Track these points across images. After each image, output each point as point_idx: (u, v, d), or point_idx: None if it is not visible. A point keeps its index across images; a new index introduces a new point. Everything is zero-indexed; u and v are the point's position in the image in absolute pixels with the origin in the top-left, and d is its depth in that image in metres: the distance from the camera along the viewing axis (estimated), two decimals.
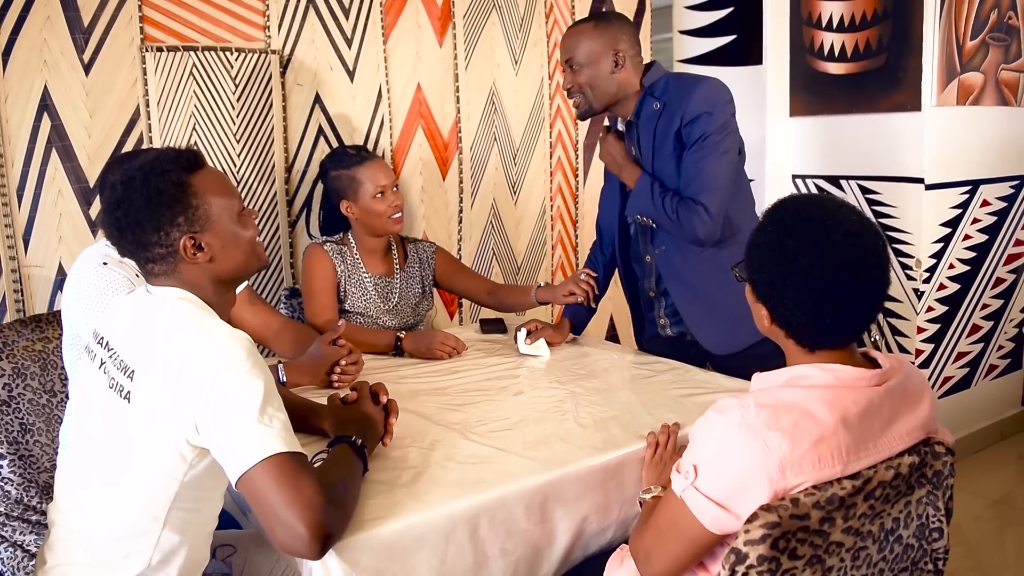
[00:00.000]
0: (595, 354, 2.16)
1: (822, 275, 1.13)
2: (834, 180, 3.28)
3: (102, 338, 1.36)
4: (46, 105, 2.35)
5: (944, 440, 1.24)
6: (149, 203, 1.29)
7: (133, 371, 1.25)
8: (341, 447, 1.36)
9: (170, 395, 1.20)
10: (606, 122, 2.32)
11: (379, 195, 2.36)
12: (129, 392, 1.24)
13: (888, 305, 3.14)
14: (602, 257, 2.37)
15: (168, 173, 1.30)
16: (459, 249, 3.08)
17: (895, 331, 3.21)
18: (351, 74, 2.80)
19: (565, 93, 2.16)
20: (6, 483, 1.84)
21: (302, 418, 1.59)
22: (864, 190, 3.18)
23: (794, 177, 3.41)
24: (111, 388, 1.28)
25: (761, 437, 1.08)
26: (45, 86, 2.34)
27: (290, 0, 2.66)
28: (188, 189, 1.31)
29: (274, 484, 1.13)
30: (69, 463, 1.39)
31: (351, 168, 2.39)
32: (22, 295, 2.36)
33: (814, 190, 3.32)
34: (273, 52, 2.65)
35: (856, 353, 1.23)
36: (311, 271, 2.38)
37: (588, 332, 2.91)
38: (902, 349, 3.19)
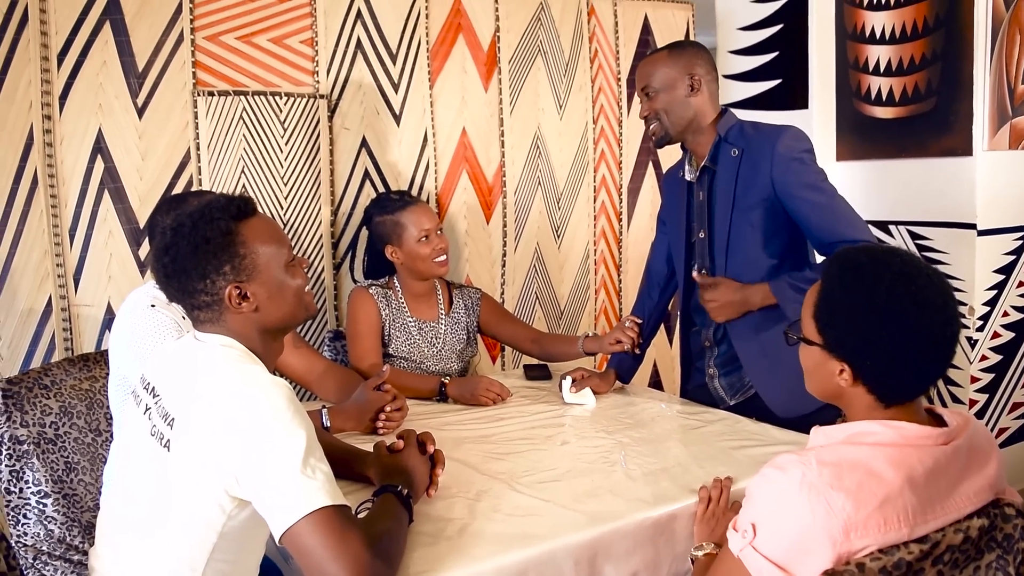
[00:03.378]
0: (641, 403, 2.12)
1: (917, 324, 1.11)
2: (883, 225, 3.22)
3: (148, 383, 1.35)
4: (100, 147, 2.40)
5: (1014, 501, 1.18)
6: (196, 251, 1.28)
7: (173, 419, 1.24)
8: (387, 497, 1.33)
9: (209, 445, 1.18)
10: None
11: (423, 238, 2.35)
12: (169, 440, 1.23)
13: None
14: (649, 302, 2.33)
15: (217, 221, 1.29)
16: (502, 293, 3.07)
17: (948, 381, 3.11)
18: (397, 118, 2.82)
19: (643, 122, 2.14)
20: (49, 521, 1.85)
21: (346, 464, 1.58)
22: (914, 235, 3.12)
23: None
24: (152, 435, 1.27)
25: (824, 497, 1.04)
26: (99, 129, 2.40)
27: (339, 45, 2.70)
28: (236, 238, 1.30)
29: (319, 539, 1.10)
30: (110, 510, 1.38)
31: (395, 213, 2.38)
32: (71, 334, 2.39)
33: None
34: (321, 97, 2.68)
35: (921, 409, 1.18)
36: (356, 314, 2.37)
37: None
38: (955, 399, 3.10)
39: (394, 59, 2.79)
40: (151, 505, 1.26)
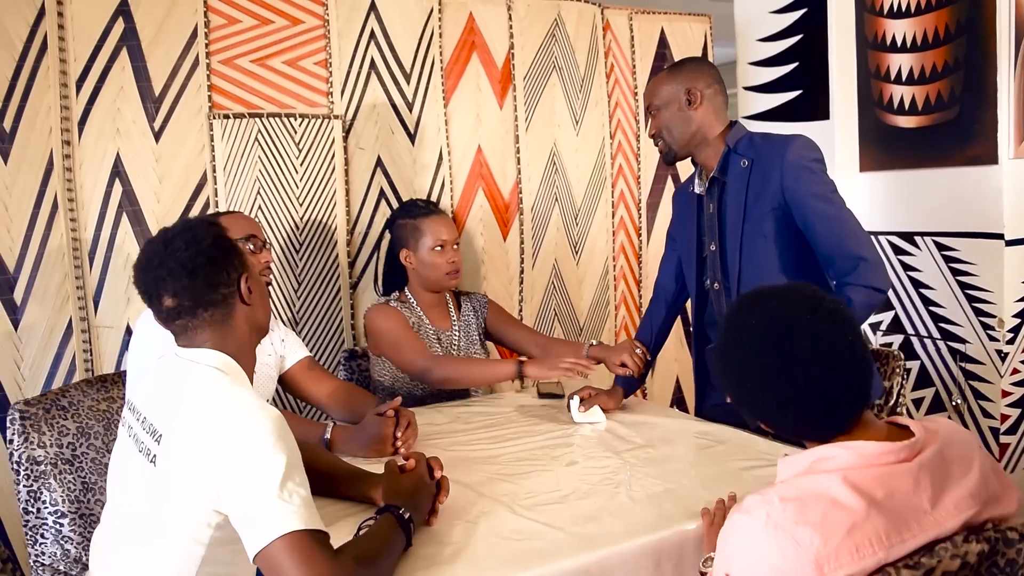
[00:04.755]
0: (654, 421, 2.09)
1: (790, 381, 1.12)
2: (908, 236, 3.16)
3: (132, 403, 1.38)
4: (118, 171, 2.44)
5: (1017, 525, 1.13)
6: (217, 247, 1.37)
7: (161, 435, 1.26)
8: (387, 518, 1.34)
9: (194, 461, 1.21)
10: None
11: (438, 248, 2.35)
12: (155, 456, 1.25)
13: (970, 368, 2.98)
14: (657, 319, 2.31)
15: (214, 225, 1.41)
16: (520, 310, 3.06)
17: (978, 395, 3.03)
18: (412, 137, 2.83)
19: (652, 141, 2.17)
20: (66, 541, 1.87)
21: (350, 484, 1.59)
22: (940, 247, 3.05)
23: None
24: (140, 452, 1.30)
25: (791, 534, 1.02)
26: (117, 153, 2.44)
27: (352, 66, 2.73)
28: (231, 243, 1.41)
29: (289, 562, 1.12)
30: (101, 529, 1.40)
31: (417, 218, 2.40)
32: (91, 355, 2.42)
33: (887, 247, 3.20)
34: (336, 117, 2.70)
35: (877, 424, 1.16)
36: (390, 323, 2.34)
37: (652, 396, 2.83)
38: (986, 414, 3.01)
39: (408, 78, 2.81)
40: (140, 521, 1.28)
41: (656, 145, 2.15)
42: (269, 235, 2.63)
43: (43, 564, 1.88)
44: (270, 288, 2.62)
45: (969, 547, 1.06)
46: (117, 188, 2.44)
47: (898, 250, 3.16)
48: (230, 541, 1.23)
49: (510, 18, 2.97)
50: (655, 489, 1.57)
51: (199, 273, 1.34)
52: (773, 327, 1.14)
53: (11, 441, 1.93)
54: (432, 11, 2.83)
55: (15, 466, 1.95)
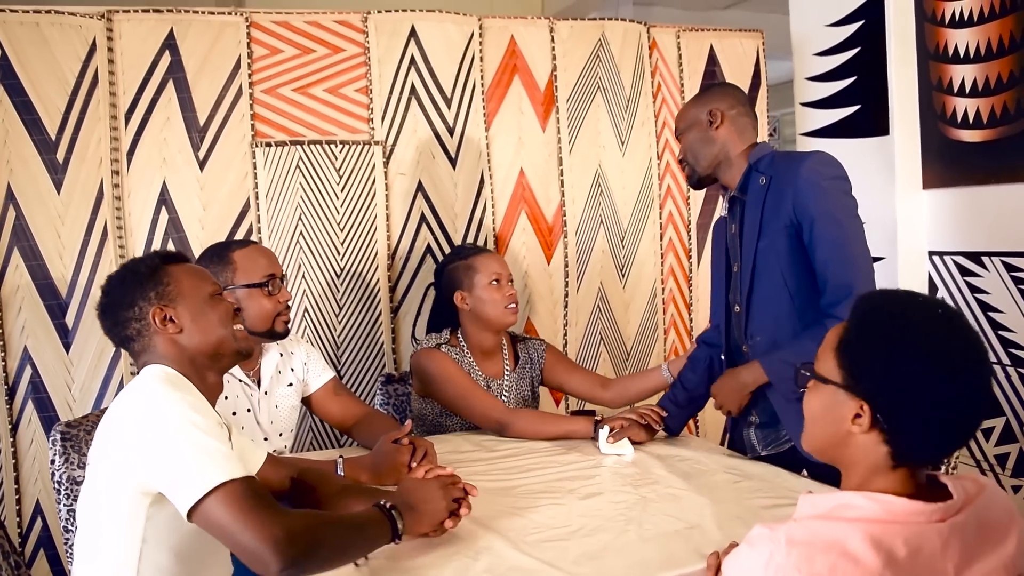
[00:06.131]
0: (684, 454, 2.00)
1: (954, 375, 1.00)
2: (975, 257, 2.99)
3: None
4: (164, 199, 2.51)
5: None
6: (123, 282, 1.43)
7: (95, 440, 1.35)
8: (368, 510, 1.39)
9: (117, 447, 1.28)
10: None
11: (494, 282, 2.29)
12: (88, 460, 1.35)
13: None
14: (716, 343, 2.24)
15: (143, 260, 1.46)
16: (565, 335, 3.01)
17: None
18: (453, 162, 2.83)
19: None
20: None
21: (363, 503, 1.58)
22: (1009, 267, 2.87)
23: (931, 254, 3.14)
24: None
25: None
26: (164, 182, 2.51)
27: (393, 92, 2.75)
28: (160, 271, 1.44)
29: (225, 512, 1.18)
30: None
31: (467, 258, 2.34)
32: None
33: (953, 267, 3.04)
34: (376, 143, 2.73)
35: (922, 476, 1.06)
36: (448, 372, 2.25)
37: (704, 432, 2.74)
38: None
39: (449, 103, 2.81)
40: (85, 529, 1.36)
41: (683, 170, 2.14)
42: (309, 260, 2.66)
43: None
44: (307, 313, 2.65)
45: None
46: (163, 216, 2.51)
47: (964, 271, 2.99)
48: (169, 533, 1.30)
49: (552, 40, 2.95)
50: (668, 527, 1.50)
51: (106, 313, 1.44)
52: (947, 319, 1.05)
53: (52, 461, 2.00)
54: (473, 35, 2.83)
55: (56, 485, 2.01)
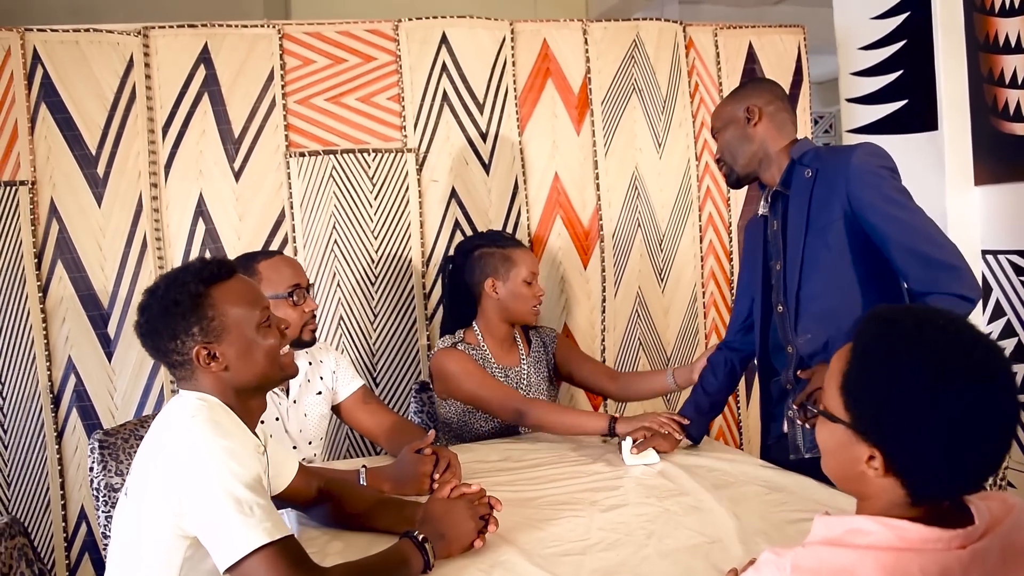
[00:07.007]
0: (713, 464, 1.93)
1: (975, 403, 0.90)
2: None
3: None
4: (201, 211, 2.55)
5: None
6: (166, 312, 1.33)
7: (135, 462, 1.32)
8: (399, 543, 1.36)
9: (155, 487, 1.25)
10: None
11: (529, 280, 2.31)
12: (128, 488, 1.31)
13: None
14: (737, 347, 2.19)
15: (187, 284, 1.34)
16: (603, 340, 2.97)
17: None
18: (487, 167, 2.82)
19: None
20: None
21: (388, 515, 1.58)
22: None
23: (984, 253, 3.01)
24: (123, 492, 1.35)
25: None
26: (200, 193, 2.55)
27: (425, 99, 2.75)
28: (205, 300, 1.34)
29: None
30: None
31: (506, 248, 2.34)
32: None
33: (1008, 267, 2.91)
34: (409, 150, 2.73)
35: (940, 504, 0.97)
36: (467, 367, 2.26)
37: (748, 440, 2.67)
38: None
39: (481, 109, 2.81)
40: (123, 549, 1.33)
41: (720, 169, 2.09)
42: (344, 269, 2.68)
43: None
44: (342, 322, 2.67)
45: None
46: (200, 227, 2.56)
47: (1020, 270, 2.87)
48: (206, 557, 1.26)
49: (586, 42, 2.91)
50: (688, 542, 1.45)
51: (147, 337, 1.38)
52: (960, 340, 0.94)
53: (91, 469, 2.04)
54: (504, 40, 2.82)
55: (95, 492, 2.06)
